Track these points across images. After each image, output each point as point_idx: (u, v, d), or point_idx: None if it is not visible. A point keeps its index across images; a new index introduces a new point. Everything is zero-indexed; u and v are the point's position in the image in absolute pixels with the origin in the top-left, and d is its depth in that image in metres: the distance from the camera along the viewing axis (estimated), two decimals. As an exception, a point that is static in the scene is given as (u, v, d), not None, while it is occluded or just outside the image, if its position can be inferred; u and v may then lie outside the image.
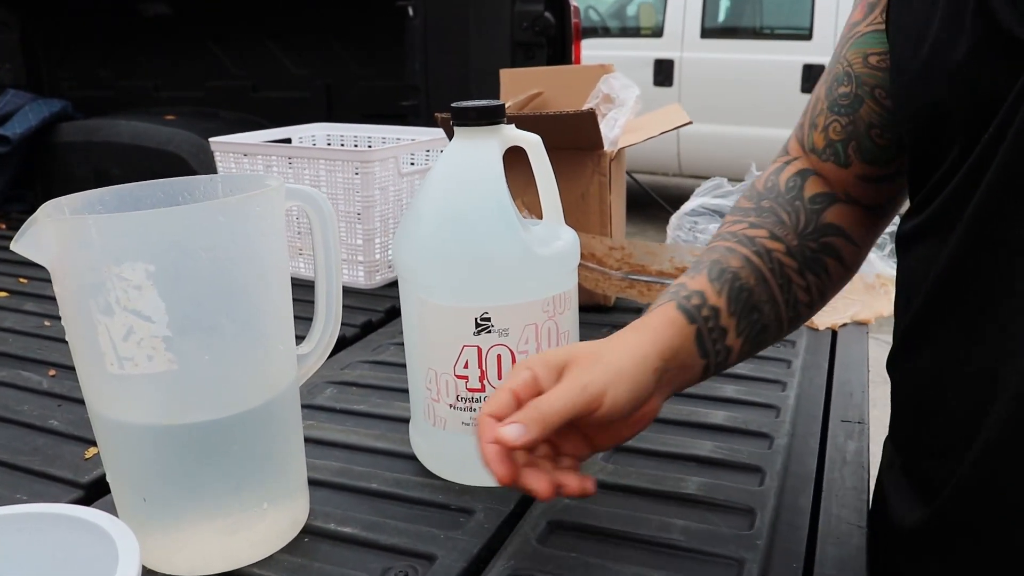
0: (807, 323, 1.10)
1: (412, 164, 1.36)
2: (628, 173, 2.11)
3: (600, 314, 1.18)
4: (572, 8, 1.74)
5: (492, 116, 0.69)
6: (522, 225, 0.69)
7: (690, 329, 0.60)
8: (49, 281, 0.58)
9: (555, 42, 1.73)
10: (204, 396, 0.59)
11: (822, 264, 0.66)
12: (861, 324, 1.12)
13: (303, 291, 0.70)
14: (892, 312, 0.63)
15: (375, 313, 1.20)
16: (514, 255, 0.68)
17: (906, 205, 0.62)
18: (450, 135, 1.04)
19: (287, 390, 0.64)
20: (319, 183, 1.29)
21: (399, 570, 0.61)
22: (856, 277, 1.26)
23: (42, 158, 1.96)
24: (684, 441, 0.80)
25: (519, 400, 0.55)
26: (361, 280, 1.32)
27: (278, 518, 0.64)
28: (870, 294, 1.15)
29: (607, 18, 5.80)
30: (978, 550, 0.52)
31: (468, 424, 0.70)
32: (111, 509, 0.63)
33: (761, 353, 1.04)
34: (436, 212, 0.70)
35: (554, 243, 0.71)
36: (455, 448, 0.72)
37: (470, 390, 0.69)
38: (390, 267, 1.33)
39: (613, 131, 1.14)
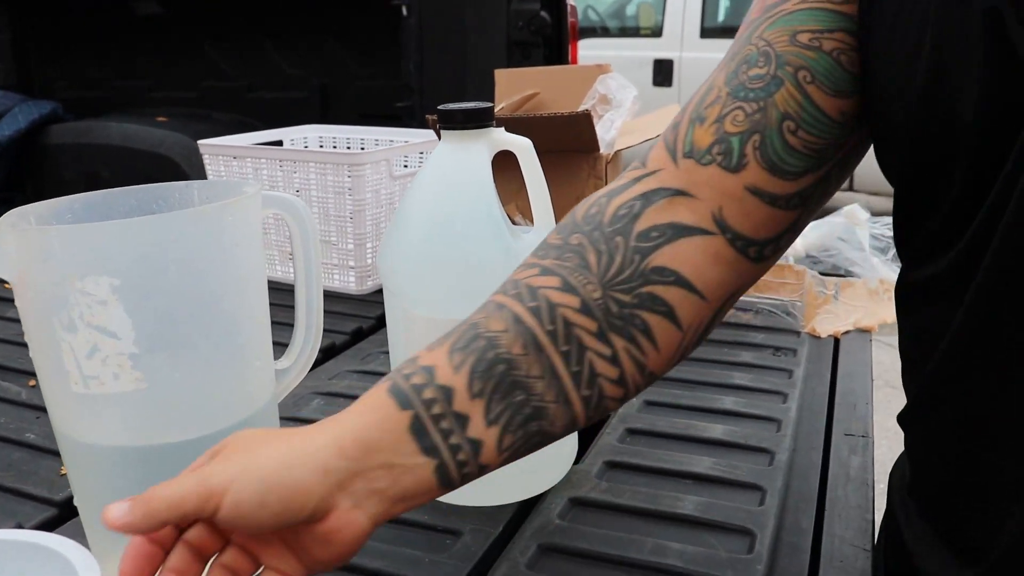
0: (808, 330, 1.07)
1: (405, 167, 1.34)
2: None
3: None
4: (569, 7, 1.72)
5: (480, 119, 0.67)
6: (511, 233, 0.67)
7: (401, 416, 0.46)
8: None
9: (552, 42, 1.71)
10: (175, 416, 0.56)
11: (640, 324, 0.50)
12: (864, 331, 1.09)
13: (290, 296, 0.68)
14: (896, 319, 0.58)
15: (365, 320, 1.17)
16: (503, 265, 0.65)
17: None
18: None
19: (264, 408, 0.61)
20: (310, 186, 1.26)
21: (381, 597, 0.59)
22: (859, 283, 1.24)
23: (32, 160, 1.94)
24: (681, 457, 0.77)
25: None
26: (352, 285, 1.29)
27: (255, 541, 0.61)
28: (873, 300, 1.12)
29: (606, 18, 5.77)
30: None
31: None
32: (84, 530, 0.61)
33: (761, 362, 1.03)
34: (422, 221, 0.67)
35: (545, 252, 0.68)
36: (442, 466, 0.69)
37: (457, 406, 0.66)
38: (382, 272, 1.30)
39: (609, 133, 1.12)
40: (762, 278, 0.58)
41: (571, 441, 0.75)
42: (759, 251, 0.52)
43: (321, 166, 1.25)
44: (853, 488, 0.73)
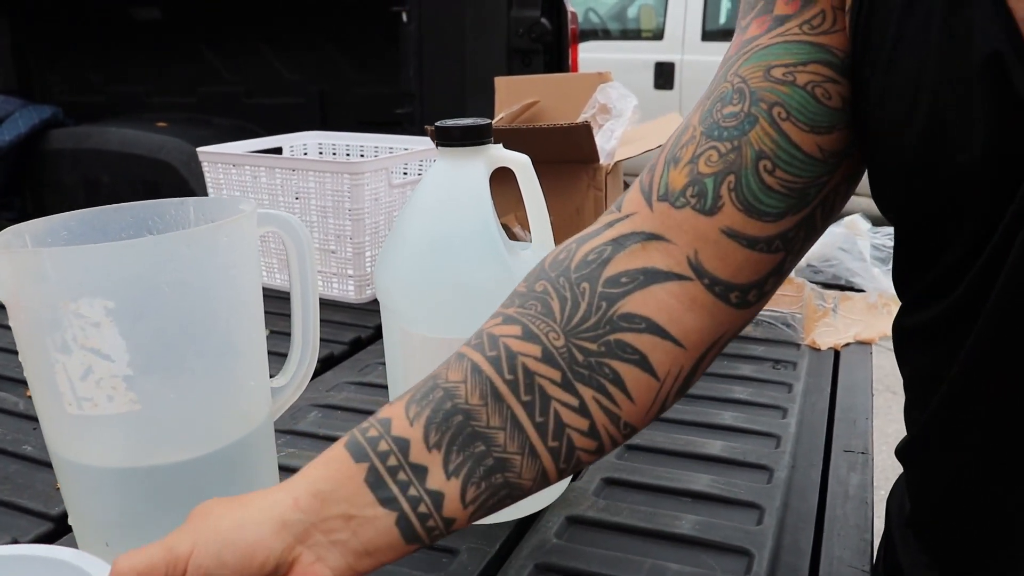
0: (808, 343, 1.07)
1: (405, 175, 1.33)
2: (625, 184, 2.07)
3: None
4: (569, 14, 1.71)
5: (477, 136, 0.66)
6: (509, 251, 0.66)
7: (357, 469, 0.46)
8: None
9: (552, 48, 1.70)
10: (169, 437, 0.56)
11: (608, 373, 0.48)
12: (864, 344, 1.08)
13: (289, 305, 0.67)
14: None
15: (364, 329, 1.17)
16: (500, 284, 0.64)
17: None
18: (440, 149, 1.01)
19: (260, 427, 0.61)
20: (309, 194, 1.26)
21: (376, 618, 0.58)
22: (858, 297, 1.24)
23: (32, 165, 1.94)
24: (679, 474, 0.76)
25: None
26: (351, 294, 1.29)
27: (250, 561, 0.61)
28: (872, 314, 1.12)
29: (607, 20, 5.77)
30: None
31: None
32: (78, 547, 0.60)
33: (761, 375, 1.02)
34: (419, 239, 0.67)
35: (543, 269, 0.67)
36: (439, 484, 0.68)
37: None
38: (381, 281, 1.30)
39: (609, 143, 1.11)
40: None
41: (569, 458, 0.74)
42: (741, 296, 0.49)
43: (320, 174, 1.25)
44: (852, 507, 0.72)
